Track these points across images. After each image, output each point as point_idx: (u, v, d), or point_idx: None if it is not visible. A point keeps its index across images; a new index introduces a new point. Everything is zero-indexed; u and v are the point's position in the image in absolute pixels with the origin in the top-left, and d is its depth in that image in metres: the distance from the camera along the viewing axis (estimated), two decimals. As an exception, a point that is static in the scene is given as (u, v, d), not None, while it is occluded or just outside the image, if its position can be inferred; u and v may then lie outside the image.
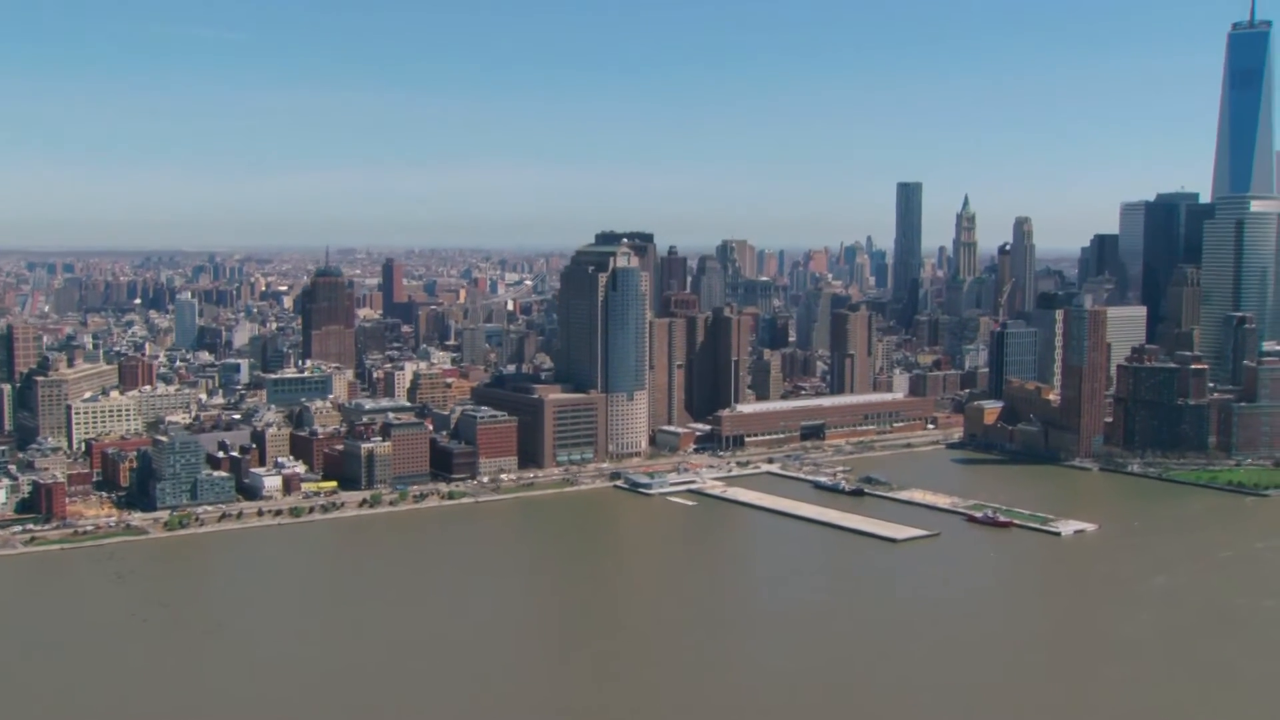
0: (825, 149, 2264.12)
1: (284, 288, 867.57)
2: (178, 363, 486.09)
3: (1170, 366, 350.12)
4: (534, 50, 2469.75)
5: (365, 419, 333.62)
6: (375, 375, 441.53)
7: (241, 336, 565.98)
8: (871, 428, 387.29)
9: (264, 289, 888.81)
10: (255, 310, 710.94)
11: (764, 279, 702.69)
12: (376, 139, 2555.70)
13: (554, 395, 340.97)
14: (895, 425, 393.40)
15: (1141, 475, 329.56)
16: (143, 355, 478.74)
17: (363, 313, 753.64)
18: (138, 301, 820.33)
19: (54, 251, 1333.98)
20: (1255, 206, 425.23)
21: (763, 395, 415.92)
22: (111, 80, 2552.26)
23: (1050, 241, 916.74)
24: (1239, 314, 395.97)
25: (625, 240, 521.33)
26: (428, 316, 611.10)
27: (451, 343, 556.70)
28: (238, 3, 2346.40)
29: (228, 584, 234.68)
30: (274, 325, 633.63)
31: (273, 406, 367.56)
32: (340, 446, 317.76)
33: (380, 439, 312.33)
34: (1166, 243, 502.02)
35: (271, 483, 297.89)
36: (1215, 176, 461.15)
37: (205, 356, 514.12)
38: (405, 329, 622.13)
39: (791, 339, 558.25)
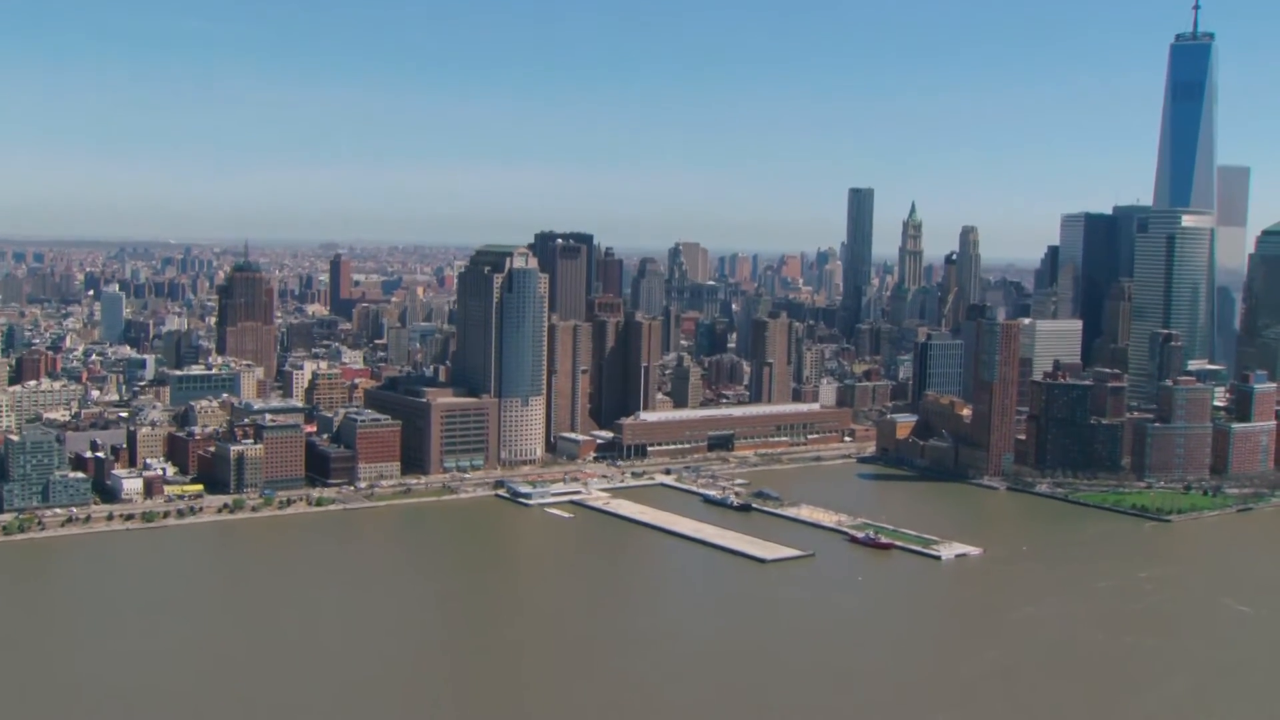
0: (802, 154, 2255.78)
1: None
2: (93, 357, 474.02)
3: (1084, 384, 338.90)
4: (519, 52, 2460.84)
5: (247, 420, 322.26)
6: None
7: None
8: (784, 439, 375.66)
9: (221, 282, 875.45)
10: (196, 304, 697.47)
11: (710, 283, 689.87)
12: (371, 135, 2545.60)
13: (443, 399, 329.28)
14: (810, 437, 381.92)
15: (1049, 496, 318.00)
16: (53, 350, 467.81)
17: (312, 308, 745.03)
18: (90, 293, 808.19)
19: (31, 240, 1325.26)
20: (1187, 221, 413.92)
21: (681, 403, 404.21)
22: (100, 70, 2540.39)
23: (1015, 252, 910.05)
24: (1165, 331, 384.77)
25: (561, 240, 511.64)
26: (360, 314, 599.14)
27: (382, 341, 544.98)
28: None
29: (41, 595, 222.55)
30: (213, 320, 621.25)
31: (159, 405, 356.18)
32: (213, 448, 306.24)
33: (252, 441, 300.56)
34: (1109, 256, 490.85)
35: (131, 485, 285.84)
36: (1156, 190, 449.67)
37: (126, 351, 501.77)
38: (345, 326, 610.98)
39: (732, 345, 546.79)
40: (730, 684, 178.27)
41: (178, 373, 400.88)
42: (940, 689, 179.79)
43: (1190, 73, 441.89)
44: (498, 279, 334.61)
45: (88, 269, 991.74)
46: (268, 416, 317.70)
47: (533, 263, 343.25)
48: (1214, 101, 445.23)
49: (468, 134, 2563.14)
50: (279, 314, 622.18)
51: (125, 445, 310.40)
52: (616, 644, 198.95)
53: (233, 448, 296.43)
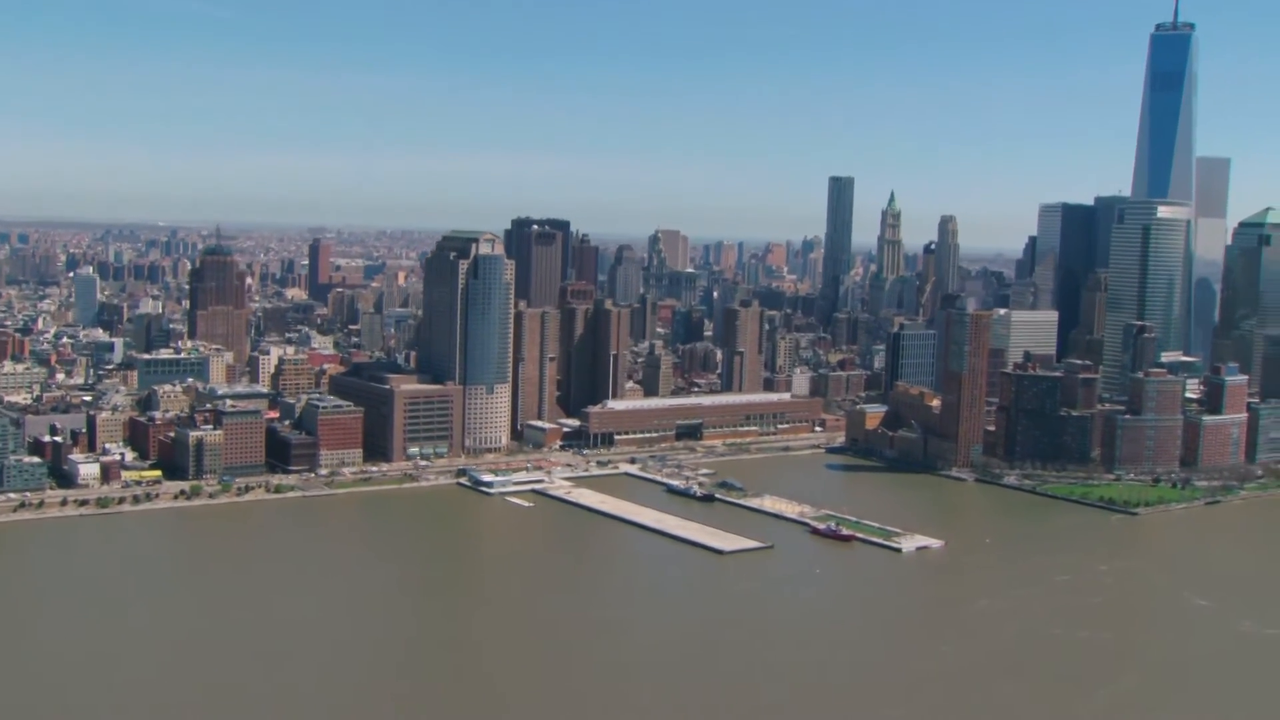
0: (785, 143, 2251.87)
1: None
2: (63, 340, 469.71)
3: (1053, 375, 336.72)
4: (508, 39, 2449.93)
5: (208, 406, 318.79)
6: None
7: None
8: (753, 429, 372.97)
9: (198, 265, 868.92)
10: (173, 287, 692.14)
11: (689, 271, 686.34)
12: (360, 121, 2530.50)
13: (406, 386, 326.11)
14: (781, 427, 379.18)
15: (1017, 488, 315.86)
16: (24, 333, 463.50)
17: (291, 293, 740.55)
18: (70, 275, 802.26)
19: (18, 221, 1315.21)
20: (1163, 212, 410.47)
21: (652, 391, 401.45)
22: (91, 52, 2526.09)
23: (1002, 242, 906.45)
24: (1139, 322, 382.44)
25: (536, 226, 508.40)
26: (335, 299, 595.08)
27: (356, 327, 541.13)
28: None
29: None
30: (188, 303, 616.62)
31: (123, 389, 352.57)
32: (173, 433, 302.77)
33: (211, 427, 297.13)
34: (1087, 247, 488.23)
35: (88, 470, 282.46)
36: (1135, 180, 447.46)
37: (99, 334, 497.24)
38: (322, 311, 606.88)
39: (709, 333, 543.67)
40: (679, 678, 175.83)
41: (145, 356, 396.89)
42: (890, 684, 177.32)
43: (1170, 63, 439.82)
44: (463, 265, 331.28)
45: (70, 250, 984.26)
46: (228, 402, 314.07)
47: (499, 249, 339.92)
48: (1194, 92, 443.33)
49: (456, 120, 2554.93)
50: (257, 298, 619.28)
51: (85, 430, 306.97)
52: (568, 635, 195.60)
53: (192, 433, 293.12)
